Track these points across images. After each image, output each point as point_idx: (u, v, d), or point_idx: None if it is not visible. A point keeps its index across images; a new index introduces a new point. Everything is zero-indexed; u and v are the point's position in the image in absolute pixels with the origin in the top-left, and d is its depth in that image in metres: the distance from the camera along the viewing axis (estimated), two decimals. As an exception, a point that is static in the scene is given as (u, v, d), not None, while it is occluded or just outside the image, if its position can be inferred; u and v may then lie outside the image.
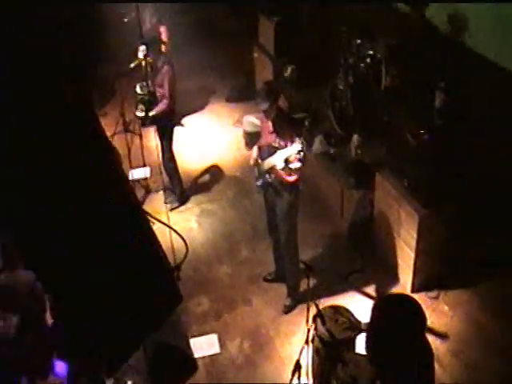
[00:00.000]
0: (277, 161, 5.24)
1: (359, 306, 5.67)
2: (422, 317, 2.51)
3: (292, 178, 5.34)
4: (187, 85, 9.66)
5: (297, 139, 5.13)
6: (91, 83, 7.36)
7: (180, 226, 7.25)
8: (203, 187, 7.94)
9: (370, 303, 5.80)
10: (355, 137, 6.41)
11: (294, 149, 5.13)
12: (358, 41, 6.66)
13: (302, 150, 5.10)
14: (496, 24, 5.93)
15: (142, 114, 6.97)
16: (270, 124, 5.34)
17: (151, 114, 6.93)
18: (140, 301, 2.93)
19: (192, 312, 6.08)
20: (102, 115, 9.48)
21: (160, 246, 3.35)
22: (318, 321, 4.48)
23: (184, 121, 9.22)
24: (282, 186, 5.44)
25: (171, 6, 9.63)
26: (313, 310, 4.56)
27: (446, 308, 5.82)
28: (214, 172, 8.18)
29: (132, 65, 7.25)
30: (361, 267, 5.94)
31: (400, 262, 5.99)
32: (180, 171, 7.64)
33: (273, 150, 5.29)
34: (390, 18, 7.09)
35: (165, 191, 7.72)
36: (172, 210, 7.53)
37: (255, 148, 5.65)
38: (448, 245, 5.71)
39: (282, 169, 5.26)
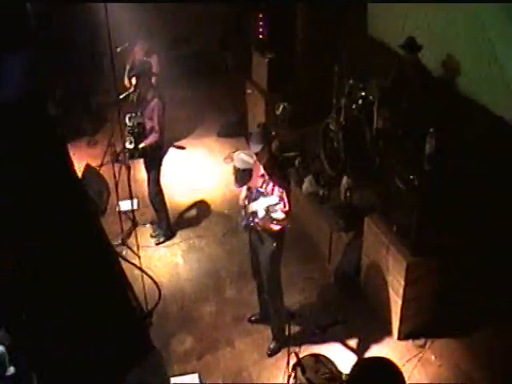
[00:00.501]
0: (258, 208, 5.18)
1: (342, 355, 5.56)
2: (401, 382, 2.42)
3: (275, 227, 5.26)
4: (178, 117, 9.68)
5: (278, 189, 5.07)
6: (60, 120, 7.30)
7: (166, 262, 7.19)
8: (191, 222, 7.84)
9: (353, 354, 5.74)
10: (345, 179, 6.35)
11: (272, 200, 5.07)
12: (351, 81, 6.64)
13: (285, 203, 5.04)
14: (491, 70, 5.94)
15: (131, 146, 6.90)
16: (261, 167, 5.26)
17: (140, 146, 6.87)
18: (107, 350, 2.81)
19: (174, 350, 5.95)
20: (93, 144, 9.48)
21: (131, 289, 3.23)
22: (298, 369, 4.35)
23: (173, 154, 9.18)
24: (265, 233, 5.34)
25: (165, 38, 9.70)
26: (293, 358, 4.45)
27: (433, 357, 5.69)
28: (203, 207, 8.09)
29: (122, 96, 7.21)
30: (343, 319, 5.80)
31: (387, 308, 5.87)
32: (168, 205, 7.55)
33: (258, 195, 5.21)
34: (383, 59, 7.10)
35: (152, 224, 7.66)
36: (158, 244, 7.45)
37: (244, 188, 5.55)
38: (436, 293, 5.62)
39: (262, 218, 5.19)
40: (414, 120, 5.92)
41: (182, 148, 9.39)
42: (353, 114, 6.58)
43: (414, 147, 5.46)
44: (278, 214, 5.13)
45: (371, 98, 6.46)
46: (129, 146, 6.90)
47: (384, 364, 2.48)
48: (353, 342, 5.85)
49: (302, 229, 7.28)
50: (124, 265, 3.31)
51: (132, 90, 7.13)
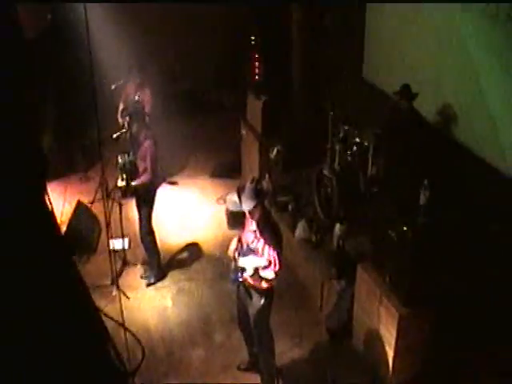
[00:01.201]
0: (247, 266, 5.10)
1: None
2: None
3: (264, 285, 5.18)
4: (171, 154, 9.65)
5: (269, 250, 4.99)
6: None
7: (155, 304, 7.08)
8: (182, 264, 7.73)
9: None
10: (338, 226, 6.29)
11: (261, 262, 5.01)
12: (346, 127, 6.64)
13: (275, 263, 4.97)
14: (487, 120, 5.96)
15: (123, 184, 6.85)
16: (253, 223, 5.16)
17: (133, 184, 6.82)
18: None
19: (162, 398, 5.81)
20: (85, 180, 9.42)
21: (114, 346, 3.11)
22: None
23: (166, 193, 9.13)
24: (254, 290, 5.25)
25: (158, 76, 9.73)
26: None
27: (425, 412, 5.58)
28: (194, 250, 7.98)
29: (114, 135, 7.20)
30: (332, 379, 5.72)
31: (379, 359, 5.76)
32: (159, 245, 7.46)
33: (248, 252, 5.14)
34: (378, 104, 7.13)
35: (143, 265, 7.57)
36: (148, 285, 7.35)
37: (235, 240, 5.42)
38: (428, 345, 5.52)
39: (251, 276, 5.11)
40: (408, 169, 5.91)
41: (175, 183, 9.33)
42: (347, 160, 6.56)
43: (408, 197, 5.43)
44: (268, 274, 5.05)
45: (366, 144, 6.45)
46: (120, 183, 6.87)
47: None
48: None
49: (293, 275, 7.18)
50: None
51: (124, 130, 7.12)
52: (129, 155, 6.89)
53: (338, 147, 6.59)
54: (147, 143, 6.76)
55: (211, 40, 10.27)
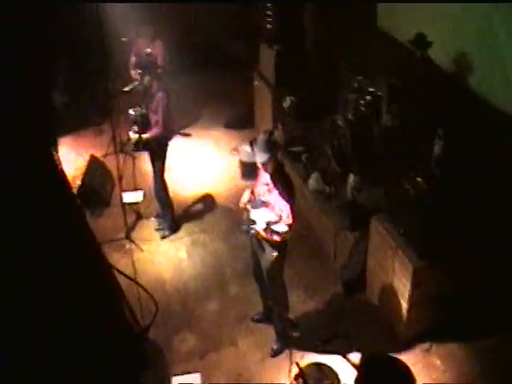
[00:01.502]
0: (258, 219, 5.04)
1: (345, 364, 5.45)
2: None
3: (276, 238, 5.12)
4: (185, 106, 9.56)
5: (281, 202, 4.91)
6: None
7: (169, 257, 7.11)
8: (195, 217, 7.73)
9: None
10: (352, 177, 6.20)
11: (272, 217, 4.94)
12: (359, 77, 6.47)
13: (288, 215, 4.90)
14: (499, 68, 5.76)
15: (135, 137, 6.81)
16: (266, 175, 5.09)
17: (144, 137, 6.77)
18: (102, 368, 2.70)
19: (176, 349, 5.87)
20: (99, 133, 9.39)
21: (127, 303, 3.11)
22: (301, 381, 4.26)
23: (179, 144, 9.08)
24: (266, 242, 5.20)
25: (171, 28, 9.53)
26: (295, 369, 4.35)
27: (438, 362, 5.57)
28: (208, 202, 7.97)
29: (126, 88, 7.12)
30: (345, 332, 5.69)
31: (392, 311, 5.75)
32: (172, 198, 7.45)
33: (260, 204, 5.06)
34: (392, 53, 6.91)
35: (157, 218, 7.57)
36: (163, 238, 7.38)
37: (247, 191, 5.36)
38: (443, 297, 5.48)
39: (264, 230, 5.05)
40: (422, 119, 5.75)
41: (188, 135, 9.29)
42: (361, 110, 6.40)
43: (423, 148, 5.30)
44: (280, 227, 4.98)
45: (380, 94, 6.28)
46: (132, 136, 6.82)
47: (393, 360, 2.39)
48: (357, 346, 5.74)
49: (307, 226, 7.15)
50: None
51: (136, 83, 7.03)
52: (141, 108, 6.82)
53: (351, 96, 6.43)
54: (159, 96, 6.68)
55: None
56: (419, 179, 5.05)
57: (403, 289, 5.47)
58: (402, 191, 5.33)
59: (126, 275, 3.46)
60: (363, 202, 6.30)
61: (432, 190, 4.97)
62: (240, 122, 9.20)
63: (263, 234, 5.13)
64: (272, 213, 4.97)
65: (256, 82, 8.60)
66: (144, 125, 6.78)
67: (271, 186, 5.02)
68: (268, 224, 5.00)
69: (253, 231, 5.16)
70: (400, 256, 5.43)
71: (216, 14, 10.34)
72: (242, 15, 9.28)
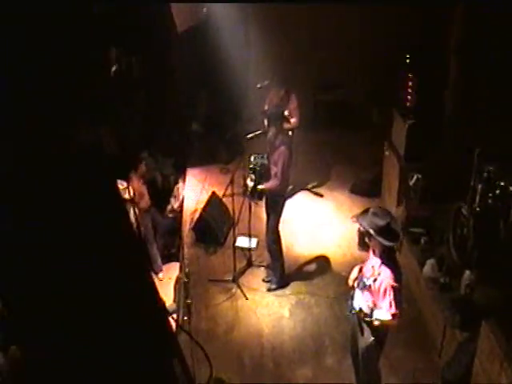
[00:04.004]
0: (358, 301, 5.01)
1: None
2: None
3: (376, 323, 4.94)
4: (313, 162, 9.57)
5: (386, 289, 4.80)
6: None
7: (272, 311, 7.11)
8: (305, 277, 7.67)
9: None
10: (467, 273, 5.88)
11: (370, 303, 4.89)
12: (491, 167, 6.16)
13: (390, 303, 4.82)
14: None
15: (251, 185, 6.89)
16: (375, 259, 4.99)
17: (260, 187, 6.85)
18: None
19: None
20: (225, 172, 9.67)
21: (182, 361, 3.07)
22: None
23: (304, 200, 9.13)
24: (366, 324, 5.05)
25: (310, 83, 9.72)
26: None
27: None
28: (320, 264, 7.88)
29: (249, 136, 7.26)
30: None
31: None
32: (285, 252, 7.45)
33: (362, 287, 4.99)
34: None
35: (267, 268, 7.60)
36: (269, 291, 7.38)
37: (356, 268, 5.29)
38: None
39: (363, 313, 4.98)
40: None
41: (320, 195, 9.29)
42: (488, 202, 6.10)
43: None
44: (382, 314, 4.82)
45: (511, 189, 5.94)
46: (249, 183, 6.91)
47: None
48: None
49: (417, 312, 6.87)
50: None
51: (259, 132, 7.14)
52: (262, 157, 6.91)
53: (479, 187, 6.15)
54: (282, 149, 6.71)
55: (369, 52, 10.03)
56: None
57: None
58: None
59: (188, 333, 3.44)
60: (478, 300, 5.93)
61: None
62: (366, 188, 9.05)
63: (362, 315, 5.02)
64: (371, 299, 4.87)
65: (386, 152, 8.48)
66: (262, 175, 6.83)
67: (377, 272, 4.89)
68: (371, 309, 4.90)
69: (354, 311, 5.09)
70: (506, 369, 5.05)
71: (358, 75, 10.39)
72: (383, 80, 9.20)
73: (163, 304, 2.90)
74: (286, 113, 7.77)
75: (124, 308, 2.32)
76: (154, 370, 2.52)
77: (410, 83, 7.83)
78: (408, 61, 7.88)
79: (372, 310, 4.91)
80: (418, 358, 6.37)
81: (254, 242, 7.91)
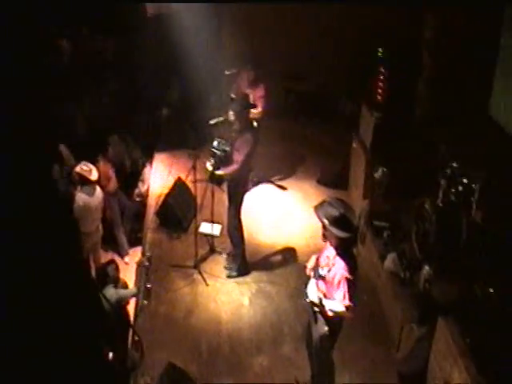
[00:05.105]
0: (312, 291, 5.00)
1: None
2: None
3: (329, 313, 4.93)
4: (279, 154, 9.53)
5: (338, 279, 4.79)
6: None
7: (232, 299, 7.09)
8: (267, 266, 7.64)
9: None
10: (426, 268, 5.90)
11: (321, 295, 4.89)
12: (454, 164, 6.20)
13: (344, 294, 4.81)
14: None
15: (210, 169, 6.84)
16: (331, 250, 4.97)
17: (218, 172, 6.80)
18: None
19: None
20: (193, 158, 9.57)
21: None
22: None
23: (267, 191, 9.08)
24: (320, 314, 5.04)
25: (279, 72, 9.69)
26: None
27: None
28: (283, 254, 7.86)
29: (212, 121, 7.22)
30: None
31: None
32: (248, 240, 7.43)
33: (317, 276, 4.98)
34: (500, 147, 6.57)
35: (228, 256, 7.57)
36: (229, 277, 7.36)
37: (313, 258, 5.28)
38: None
39: (316, 303, 4.96)
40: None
41: (283, 188, 9.24)
42: (451, 198, 6.14)
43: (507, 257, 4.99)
44: (334, 305, 4.82)
45: (473, 186, 5.98)
46: (208, 167, 6.85)
47: None
48: None
49: (376, 305, 6.88)
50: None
51: (222, 119, 7.13)
52: (226, 143, 6.84)
53: (443, 183, 6.18)
54: (247, 136, 6.67)
55: (342, 44, 10.02)
56: (491, 290, 4.73)
57: (459, 402, 5.10)
58: (478, 296, 5.03)
59: (134, 331, 3.39)
60: (437, 296, 5.95)
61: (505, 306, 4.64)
62: (333, 180, 9.05)
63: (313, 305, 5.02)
64: (324, 289, 4.88)
65: (354, 144, 8.48)
66: (221, 160, 6.78)
67: (331, 262, 4.88)
68: (320, 299, 4.88)
69: (308, 300, 5.07)
70: (460, 366, 5.08)
71: (328, 65, 10.36)
72: (356, 73, 9.20)
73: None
74: (252, 101, 7.69)
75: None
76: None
77: (381, 77, 7.82)
78: (380, 54, 7.85)
79: (321, 300, 4.89)
80: (374, 353, 6.37)
81: (217, 229, 7.85)
